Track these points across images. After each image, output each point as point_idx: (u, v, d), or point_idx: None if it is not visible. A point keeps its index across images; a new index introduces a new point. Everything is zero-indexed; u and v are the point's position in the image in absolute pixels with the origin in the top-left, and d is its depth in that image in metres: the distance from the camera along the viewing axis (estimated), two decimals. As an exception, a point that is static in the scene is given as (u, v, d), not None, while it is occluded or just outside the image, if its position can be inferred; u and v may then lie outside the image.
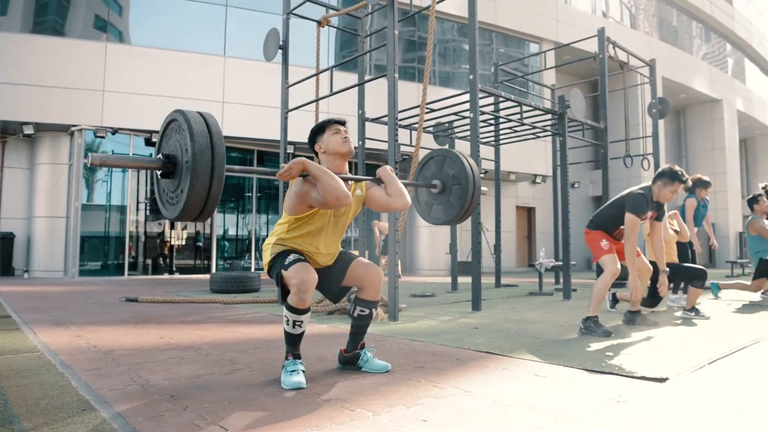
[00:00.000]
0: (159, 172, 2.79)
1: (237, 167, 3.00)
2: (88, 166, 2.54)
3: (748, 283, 7.43)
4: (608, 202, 5.07)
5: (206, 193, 2.61)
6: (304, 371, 2.94)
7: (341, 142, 3.14)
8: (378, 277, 3.20)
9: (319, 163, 3.06)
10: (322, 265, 3.18)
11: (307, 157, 3.15)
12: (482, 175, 9.95)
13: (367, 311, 3.24)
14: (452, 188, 4.30)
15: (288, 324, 2.97)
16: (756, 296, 7.52)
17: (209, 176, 2.60)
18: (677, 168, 4.79)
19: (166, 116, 2.82)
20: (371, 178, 3.39)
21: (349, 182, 3.20)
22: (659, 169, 4.91)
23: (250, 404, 2.51)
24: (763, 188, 7.50)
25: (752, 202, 7.51)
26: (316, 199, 2.90)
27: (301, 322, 2.96)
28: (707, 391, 2.77)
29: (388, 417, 2.32)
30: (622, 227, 4.81)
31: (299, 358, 2.99)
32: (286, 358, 2.98)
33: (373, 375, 3.09)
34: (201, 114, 2.71)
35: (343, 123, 3.21)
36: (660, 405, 2.52)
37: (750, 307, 6.72)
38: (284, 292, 2.98)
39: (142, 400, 2.58)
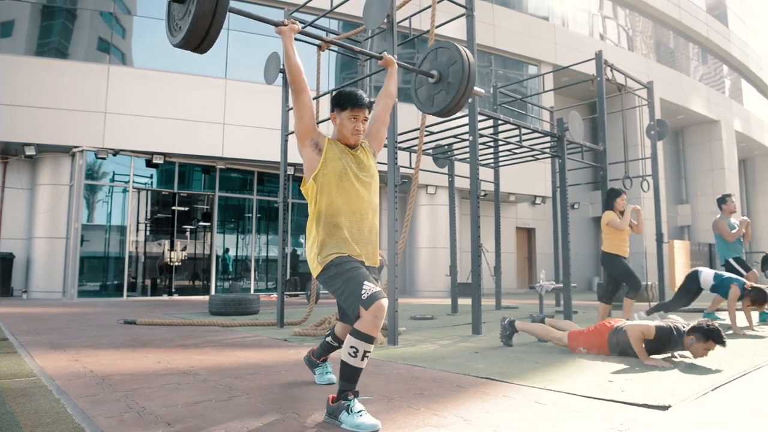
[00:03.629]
0: None
1: (244, 11, 3.32)
2: None
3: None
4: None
5: (211, 16, 2.76)
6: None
7: (350, 133, 3.04)
8: None
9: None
10: (368, 252, 3.02)
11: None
12: (482, 197, 9.94)
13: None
14: (449, 70, 4.44)
15: (356, 355, 2.67)
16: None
17: (213, 10, 2.78)
18: (716, 326, 4.21)
19: None
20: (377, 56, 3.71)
21: (358, 149, 3.11)
22: (695, 324, 4.28)
23: (247, 433, 2.48)
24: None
25: (721, 201, 7.92)
26: (298, 107, 3.02)
27: (370, 352, 2.72)
28: (710, 419, 2.75)
29: (387, 447, 2.30)
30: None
31: (357, 394, 2.73)
32: (345, 398, 2.66)
33: (373, 403, 3.06)
34: None
35: (366, 107, 3.08)
36: (662, 434, 2.49)
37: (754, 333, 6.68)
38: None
39: (138, 428, 2.55)
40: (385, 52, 3.78)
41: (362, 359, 2.68)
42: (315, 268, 2.94)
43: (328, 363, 3.65)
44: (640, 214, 6.84)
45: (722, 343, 4.12)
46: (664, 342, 4.36)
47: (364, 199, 3.01)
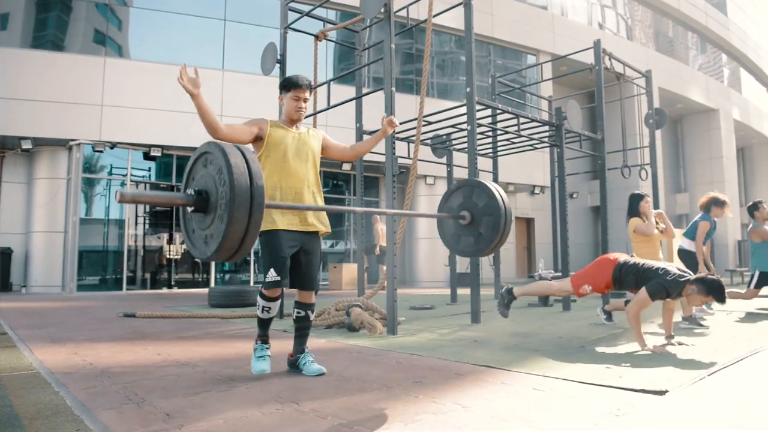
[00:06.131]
0: (191, 208, 2.77)
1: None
2: (117, 202, 2.51)
3: (742, 291, 7.44)
4: (644, 265, 4.64)
5: (243, 234, 2.59)
6: (270, 356, 3.57)
7: (294, 110, 3.60)
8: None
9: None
10: (302, 218, 3.52)
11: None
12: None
13: (303, 313, 3.64)
14: (482, 219, 4.17)
15: (262, 311, 3.53)
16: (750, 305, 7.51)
17: (247, 217, 2.56)
18: (719, 281, 4.25)
19: (197, 149, 2.83)
20: (376, 131, 3.91)
21: (301, 126, 3.69)
22: (700, 276, 4.33)
23: (246, 423, 2.49)
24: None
25: (753, 209, 7.52)
26: (232, 140, 3.35)
27: (270, 308, 3.52)
28: (707, 404, 2.76)
29: (385, 434, 2.31)
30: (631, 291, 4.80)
31: (267, 342, 3.60)
32: (256, 342, 3.59)
33: (372, 391, 3.07)
34: (238, 148, 2.69)
35: (307, 87, 3.61)
36: (659, 418, 2.50)
37: (750, 317, 6.70)
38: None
39: (138, 419, 2.55)
40: (394, 117, 3.85)
41: (262, 312, 3.52)
42: None
43: (306, 353, 3.60)
44: (664, 217, 6.57)
45: (722, 300, 4.21)
46: (662, 297, 4.40)
47: (300, 176, 3.53)
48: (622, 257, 4.87)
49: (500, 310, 5.27)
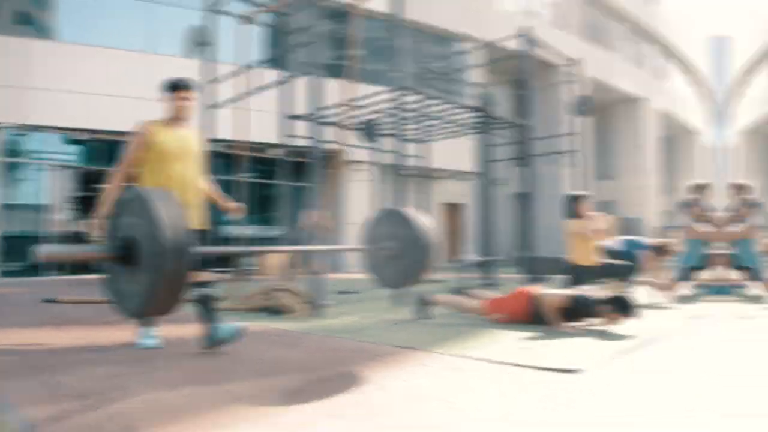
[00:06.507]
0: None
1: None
2: (35, 260, 2.43)
3: (666, 282, 7.80)
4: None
5: (175, 293, 2.60)
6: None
7: (178, 109, 3.86)
8: None
9: None
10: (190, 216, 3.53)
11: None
12: (411, 174, 10.00)
13: (203, 292, 3.72)
14: (405, 249, 4.03)
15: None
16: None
17: (179, 276, 2.55)
18: (628, 299, 4.52)
19: (121, 195, 2.91)
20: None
21: (185, 126, 3.93)
22: (610, 295, 4.65)
23: (163, 404, 2.51)
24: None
25: (684, 206, 7.91)
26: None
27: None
28: (619, 381, 2.95)
29: (300, 415, 2.38)
30: None
31: (153, 325, 3.95)
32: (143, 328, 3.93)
33: (290, 374, 3.13)
34: (169, 200, 2.63)
35: (189, 88, 3.89)
36: (572, 396, 2.64)
37: (683, 299, 7.04)
38: None
39: (52, 402, 2.54)
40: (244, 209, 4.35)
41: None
42: None
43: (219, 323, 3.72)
44: (603, 219, 6.76)
45: (632, 314, 4.41)
46: (578, 309, 4.59)
47: (182, 173, 3.76)
48: (535, 290, 4.97)
49: (421, 316, 5.32)
